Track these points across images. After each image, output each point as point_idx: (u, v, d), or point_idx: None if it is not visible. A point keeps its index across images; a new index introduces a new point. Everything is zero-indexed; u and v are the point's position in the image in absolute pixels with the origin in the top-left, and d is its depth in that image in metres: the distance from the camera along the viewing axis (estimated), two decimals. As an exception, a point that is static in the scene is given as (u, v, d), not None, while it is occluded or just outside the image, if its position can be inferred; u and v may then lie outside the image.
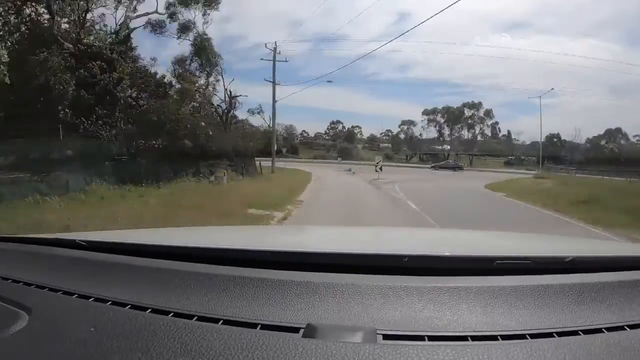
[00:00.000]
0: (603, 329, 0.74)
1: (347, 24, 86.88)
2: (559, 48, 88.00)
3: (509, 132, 64.49)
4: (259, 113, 38.09)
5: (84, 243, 1.20)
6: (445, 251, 1.11)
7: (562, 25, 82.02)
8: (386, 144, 66.88)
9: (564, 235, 2.91)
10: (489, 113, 63.96)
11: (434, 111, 65.83)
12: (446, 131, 65.83)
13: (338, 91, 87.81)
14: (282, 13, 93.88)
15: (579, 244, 1.96)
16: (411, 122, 68.99)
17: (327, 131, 72.34)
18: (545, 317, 0.78)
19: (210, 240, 1.51)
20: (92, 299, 0.90)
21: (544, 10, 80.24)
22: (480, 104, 64.18)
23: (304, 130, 69.95)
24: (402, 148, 67.05)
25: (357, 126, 70.78)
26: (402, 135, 68.54)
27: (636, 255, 1.20)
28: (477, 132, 65.98)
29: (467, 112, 64.10)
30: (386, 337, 0.71)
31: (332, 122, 71.97)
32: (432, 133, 66.67)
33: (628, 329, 0.75)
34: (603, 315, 0.79)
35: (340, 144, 67.86)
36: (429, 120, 66.34)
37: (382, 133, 70.27)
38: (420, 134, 67.94)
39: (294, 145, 62.43)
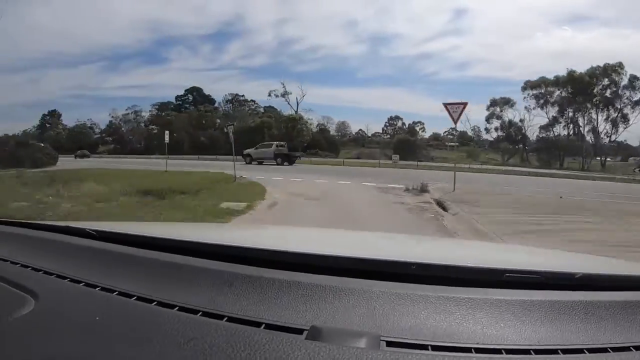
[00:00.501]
0: (608, 349, 0.74)
1: (404, 23, 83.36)
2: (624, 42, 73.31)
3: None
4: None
5: (93, 232, 1.23)
6: (455, 261, 1.11)
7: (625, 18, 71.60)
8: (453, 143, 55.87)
9: (575, 252, 2.51)
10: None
11: (543, 83, 43.63)
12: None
13: (395, 92, 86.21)
14: (338, 14, 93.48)
15: (589, 260, 1.86)
16: (507, 101, 48.89)
17: (385, 128, 67.80)
18: (551, 333, 0.77)
19: (220, 237, 1.51)
20: (99, 288, 0.91)
21: (604, 3, 73.24)
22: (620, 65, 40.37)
23: (360, 129, 66.69)
24: (484, 145, 57.44)
25: (419, 122, 64.61)
26: (469, 133, 58.93)
27: None
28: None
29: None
30: (390, 344, 0.71)
31: (390, 118, 67.19)
32: (538, 118, 45.37)
33: (634, 350, 0.74)
34: (609, 334, 0.78)
35: (399, 136, 52.61)
36: (537, 98, 44.49)
37: (445, 132, 61.36)
38: (522, 120, 46.97)
39: (334, 142, 58.74)
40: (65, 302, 0.87)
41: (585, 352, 0.72)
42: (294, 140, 53.56)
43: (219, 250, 1.09)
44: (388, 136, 64.71)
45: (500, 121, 52.98)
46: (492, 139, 56.79)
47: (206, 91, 72.96)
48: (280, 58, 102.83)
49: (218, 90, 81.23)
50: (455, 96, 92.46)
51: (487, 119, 54.45)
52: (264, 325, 0.75)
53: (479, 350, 0.70)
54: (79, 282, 0.94)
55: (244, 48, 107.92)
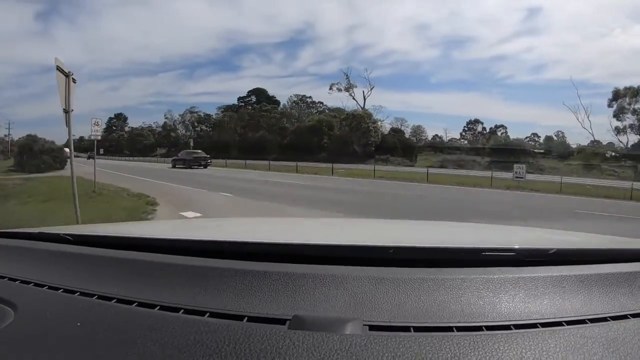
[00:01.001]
0: (586, 320, 0.76)
1: (476, 24, 77.97)
2: None
3: None
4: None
5: (68, 237, 1.21)
6: (432, 243, 1.16)
7: None
8: (540, 150, 49.63)
9: (549, 229, 2.67)
10: None
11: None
12: None
13: (469, 97, 78.25)
14: (408, 19, 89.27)
15: (563, 236, 1.86)
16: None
17: (464, 133, 60.06)
18: (530, 308, 0.79)
19: (195, 233, 1.52)
20: (78, 293, 0.90)
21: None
22: None
23: (436, 135, 60.33)
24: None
25: (501, 125, 56.82)
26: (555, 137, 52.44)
27: (618, 248, 1.23)
28: None
29: None
30: (372, 328, 0.72)
31: (470, 122, 59.08)
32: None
33: (611, 320, 0.77)
34: (586, 306, 0.81)
35: (493, 141, 49.55)
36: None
37: (527, 137, 55.14)
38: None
39: (410, 146, 49.29)
40: (45, 311, 0.85)
41: (564, 324, 0.74)
42: (358, 141, 44.79)
43: (194, 246, 1.09)
44: (466, 141, 57.46)
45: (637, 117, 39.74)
46: (622, 144, 43.31)
47: (275, 96, 68.13)
48: (352, 64, 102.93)
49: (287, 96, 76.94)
50: (533, 100, 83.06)
51: (617, 115, 41.33)
52: (246, 318, 0.75)
53: (460, 329, 0.71)
54: (57, 288, 0.93)
55: (315, 55, 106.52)
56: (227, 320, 0.75)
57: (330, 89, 53.39)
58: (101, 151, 71.86)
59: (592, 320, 0.75)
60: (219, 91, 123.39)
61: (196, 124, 68.09)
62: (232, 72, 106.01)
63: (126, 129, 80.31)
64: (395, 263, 0.94)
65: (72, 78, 6.50)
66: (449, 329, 0.71)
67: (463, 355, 0.65)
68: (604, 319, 0.76)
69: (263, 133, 55.35)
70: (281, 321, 0.73)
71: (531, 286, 0.85)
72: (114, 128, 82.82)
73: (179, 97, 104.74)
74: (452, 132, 60.62)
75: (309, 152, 42.30)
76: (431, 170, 27.80)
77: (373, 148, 44.87)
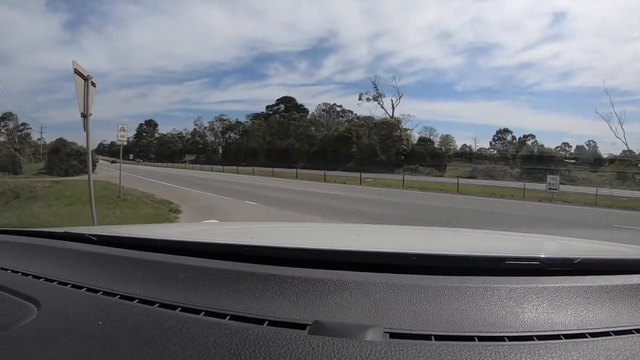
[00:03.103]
0: (610, 332, 0.74)
1: (500, 30, 77.97)
2: None
3: None
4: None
5: (93, 237, 1.23)
6: (454, 250, 1.16)
7: None
8: (571, 160, 47.42)
9: (571, 237, 2.58)
10: None
11: None
12: None
13: (495, 105, 75.45)
14: (431, 26, 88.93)
15: (587, 245, 1.79)
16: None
17: (493, 143, 58.23)
18: (553, 319, 0.77)
19: (217, 237, 1.54)
20: (101, 292, 0.91)
21: None
22: None
23: (464, 144, 59.07)
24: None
25: (531, 135, 54.52)
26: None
27: None
28: None
29: None
30: (393, 335, 0.71)
31: (499, 132, 57.52)
32: None
33: (635, 333, 0.74)
34: (610, 318, 0.79)
35: (524, 151, 48.35)
36: None
37: (557, 147, 52.44)
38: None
39: (439, 155, 47.94)
40: (67, 309, 0.86)
41: (588, 336, 0.72)
42: (387, 150, 43.70)
43: (216, 249, 1.09)
44: (495, 151, 55.44)
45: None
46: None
47: (304, 105, 68.37)
48: (376, 72, 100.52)
49: (316, 105, 78.48)
50: (561, 108, 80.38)
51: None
52: (267, 322, 0.75)
53: (481, 339, 0.70)
54: (80, 287, 0.94)
55: (339, 63, 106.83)
56: (247, 323, 0.74)
57: (360, 98, 52.48)
58: (131, 156, 74.27)
59: (617, 333, 0.73)
60: (246, 99, 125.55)
61: (225, 132, 68.73)
62: (258, 80, 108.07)
63: (156, 135, 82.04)
64: (417, 270, 0.92)
65: (92, 82, 6.06)
66: (470, 338, 0.70)
67: None
68: (629, 332, 0.74)
69: (291, 141, 55.27)
70: (302, 326, 0.73)
71: (555, 296, 0.83)
72: (144, 134, 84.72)
73: (206, 105, 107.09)
74: (482, 142, 59.37)
75: (336, 160, 41.77)
76: (461, 180, 26.52)
77: (402, 157, 43.72)
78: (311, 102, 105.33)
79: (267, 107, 67.99)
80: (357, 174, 28.24)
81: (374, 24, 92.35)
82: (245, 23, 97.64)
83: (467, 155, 52.91)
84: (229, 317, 0.77)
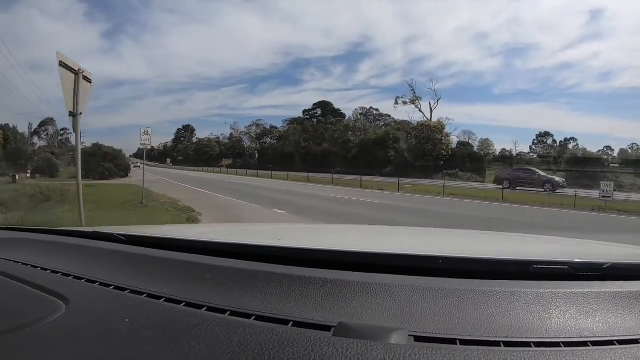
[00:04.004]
0: (639, 340, 0.72)
1: (537, 30, 75.17)
2: None
3: None
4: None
5: (122, 237, 1.25)
6: (481, 254, 1.12)
7: None
8: (615, 165, 43.72)
9: (598, 241, 2.14)
10: None
11: None
12: None
13: (534, 108, 70.77)
14: (466, 28, 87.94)
15: (616, 249, 1.72)
16: None
17: (533, 147, 55.81)
18: (581, 325, 0.76)
19: (244, 237, 1.53)
20: (128, 290, 0.93)
21: None
22: None
23: (504, 148, 57.63)
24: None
25: (572, 138, 52.18)
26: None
27: None
28: None
29: None
30: (418, 339, 0.71)
31: (539, 135, 55.17)
32: None
33: None
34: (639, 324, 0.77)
35: (569, 154, 44.63)
36: None
37: (599, 150, 49.50)
38: None
39: (479, 160, 45.45)
40: (95, 306, 0.88)
41: (616, 343, 0.71)
42: (426, 155, 41.45)
43: (243, 250, 1.09)
44: (535, 155, 52.67)
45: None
46: None
47: (341, 109, 67.40)
48: (412, 76, 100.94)
49: (352, 110, 79.24)
50: (603, 110, 73.67)
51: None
52: (291, 323, 0.75)
53: (508, 344, 0.69)
54: (108, 285, 0.95)
55: (375, 67, 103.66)
56: (272, 324, 0.75)
57: (396, 102, 50.47)
58: (168, 160, 75.94)
59: None
60: (282, 104, 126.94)
61: (260, 137, 68.71)
62: (294, 86, 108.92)
63: (194, 140, 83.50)
64: (443, 273, 0.92)
65: (85, 76, 5.17)
66: (496, 343, 0.69)
67: None
68: None
69: (327, 146, 54.24)
70: (326, 328, 0.73)
71: (583, 302, 0.81)
72: (182, 139, 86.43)
73: (243, 110, 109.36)
74: (521, 146, 56.82)
75: (373, 165, 40.26)
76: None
77: (441, 162, 41.61)
78: (347, 106, 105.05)
79: (304, 111, 67.57)
80: (395, 179, 26.57)
81: (409, 27, 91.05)
82: (280, 29, 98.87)
83: (507, 160, 50.14)
84: (254, 317, 0.77)
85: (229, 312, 0.79)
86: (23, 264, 1.17)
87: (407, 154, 42.58)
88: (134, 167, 47.61)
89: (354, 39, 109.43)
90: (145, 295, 0.89)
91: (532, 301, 0.81)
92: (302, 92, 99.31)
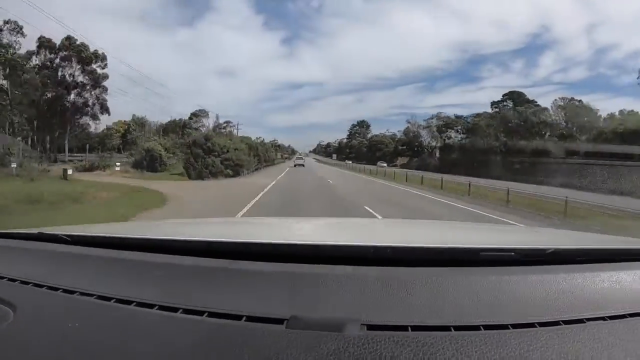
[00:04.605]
0: (584, 319, 0.76)
1: None
2: None
3: None
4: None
5: (67, 237, 1.21)
6: (431, 242, 1.16)
7: None
8: None
9: (545, 228, 3.01)
10: None
11: None
12: None
13: None
14: None
15: (559, 236, 1.92)
16: None
17: None
18: (527, 308, 0.80)
19: (194, 233, 1.51)
20: (77, 293, 0.90)
21: None
22: None
23: None
24: None
25: None
26: None
27: (615, 248, 1.24)
28: None
29: None
30: (370, 327, 0.72)
31: None
32: None
33: (608, 320, 0.77)
34: (583, 306, 0.81)
35: None
36: None
37: None
38: None
39: None
40: (44, 311, 0.86)
41: (562, 323, 0.74)
42: None
43: (192, 246, 1.07)
44: None
45: None
46: None
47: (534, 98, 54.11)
48: (598, 69, 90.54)
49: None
50: None
51: None
52: (244, 318, 0.75)
53: (458, 328, 0.71)
54: (56, 289, 0.93)
55: (556, 61, 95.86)
56: (225, 320, 0.75)
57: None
58: (334, 156, 72.88)
59: (590, 319, 0.75)
60: (461, 103, 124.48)
61: (443, 129, 58.05)
62: (472, 83, 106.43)
63: (368, 136, 78.58)
64: (394, 263, 0.93)
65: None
66: (446, 328, 0.71)
67: (460, 354, 0.65)
68: (602, 319, 0.76)
69: (541, 142, 40.65)
70: (279, 321, 0.73)
71: (529, 286, 0.86)
72: (356, 135, 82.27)
73: (421, 109, 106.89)
74: None
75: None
76: None
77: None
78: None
79: (492, 103, 56.10)
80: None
81: (589, 12, 79.58)
82: (451, 25, 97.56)
83: None
84: (206, 314, 0.76)
85: (181, 310, 0.78)
86: None
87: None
88: (297, 159, 50.70)
89: (530, 30, 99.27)
90: (95, 297, 0.86)
91: (480, 287, 0.83)
92: (480, 89, 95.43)
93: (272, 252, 0.99)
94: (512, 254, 0.98)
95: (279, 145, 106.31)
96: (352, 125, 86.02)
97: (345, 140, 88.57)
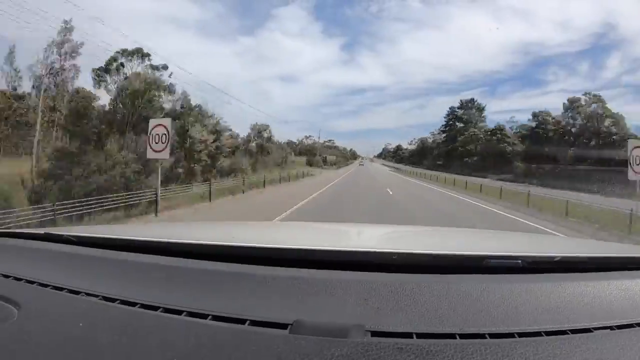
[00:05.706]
0: (591, 329, 0.75)
1: None
2: None
3: None
4: None
5: (73, 238, 1.22)
6: (436, 249, 1.15)
7: None
8: None
9: (551, 235, 3.17)
10: None
11: None
12: None
13: None
14: None
15: (568, 243, 1.99)
16: None
17: None
18: (533, 316, 0.78)
19: (200, 236, 1.46)
20: (82, 294, 0.91)
21: None
22: None
23: None
24: None
25: None
26: None
27: (623, 256, 1.21)
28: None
29: None
30: (374, 334, 0.72)
31: None
32: None
33: (616, 329, 0.76)
34: (591, 315, 0.80)
35: None
36: None
37: None
38: None
39: None
40: (48, 310, 0.86)
41: (569, 332, 0.73)
42: None
43: (197, 249, 1.07)
44: None
45: None
46: None
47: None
48: None
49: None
50: None
51: None
52: (248, 322, 0.75)
53: (463, 336, 0.71)
54: (61, 289, 0.93)
55: (624, 61, 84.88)
56: (229, 323, 0.74)
57: None
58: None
59: (597, 329, 0.74)
60: (525, 108, 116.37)
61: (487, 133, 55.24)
62: (537, 87, 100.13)
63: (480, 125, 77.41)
64: (399, 269, 0.93)
65: None
66: (451, 335, 0.70)
67: None
68: (610, 328, 0.74)
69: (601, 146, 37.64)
70: (283, 326, 0.72)
71: (535, 294, 0.84)
72: (457, 126, 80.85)
73: (486, 115, 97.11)
74: None
75: None
76: None
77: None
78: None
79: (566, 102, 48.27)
80: None
81: None
82: (513, 26, 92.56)
83: None
84: (210, 317, 0.76)
85: (185, 313, 0.78)
86: None
87: None
88: (360, 164, 50.97)
89: (595, 30, 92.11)
90: (100, 297, 0.86)
91: (485, 294, 0.82)
92: (546, 94, 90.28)
93: (278, 256, 0.99)
94: (519, 261, 0.97)
95: (336, 147, 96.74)
96: (450, 110, 67.41)
97: (431, 139, 76.67)
